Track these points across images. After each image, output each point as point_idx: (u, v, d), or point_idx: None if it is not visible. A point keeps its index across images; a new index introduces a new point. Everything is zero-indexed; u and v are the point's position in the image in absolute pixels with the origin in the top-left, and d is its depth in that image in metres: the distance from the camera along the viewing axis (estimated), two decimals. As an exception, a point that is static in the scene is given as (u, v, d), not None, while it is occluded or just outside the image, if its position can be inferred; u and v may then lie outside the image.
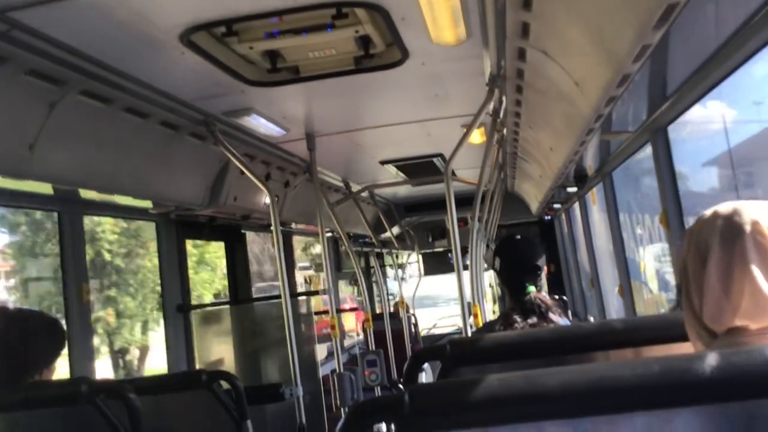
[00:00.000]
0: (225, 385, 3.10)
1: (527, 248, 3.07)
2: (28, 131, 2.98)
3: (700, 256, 1.40)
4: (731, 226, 1.37)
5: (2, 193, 3.47)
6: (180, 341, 5.01)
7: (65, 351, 2.77)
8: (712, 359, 1.08)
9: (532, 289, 2.93)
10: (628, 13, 2.03)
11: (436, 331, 12.62)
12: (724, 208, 1.44)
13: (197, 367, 5.06)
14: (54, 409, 2.36)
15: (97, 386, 2.14)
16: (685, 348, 1.59)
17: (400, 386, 6.55)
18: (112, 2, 2.53)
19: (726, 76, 2.59)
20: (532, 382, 1.17)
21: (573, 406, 1.12)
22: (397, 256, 10.17)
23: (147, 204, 4.66)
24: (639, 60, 2.18)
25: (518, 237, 3.15)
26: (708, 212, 1.47)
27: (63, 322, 3.82)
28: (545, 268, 3.06)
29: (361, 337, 10.25)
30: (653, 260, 4.92)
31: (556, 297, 3.12)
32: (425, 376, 5.61)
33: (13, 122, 2.90)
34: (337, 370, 4.83)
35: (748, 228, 1.36)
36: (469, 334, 3.91)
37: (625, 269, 4.98)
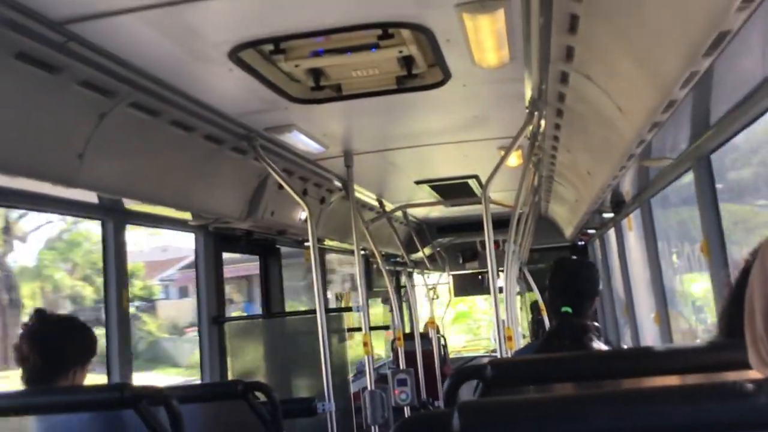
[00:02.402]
0: (260, 396, 3.13)
1: (573, 269, 3.05)
2: (77, 140, 3.06)
3: (765, 289, 1.35)
4: None
5: (50, 200, 3.56)
6: (214, 353, 5.05)
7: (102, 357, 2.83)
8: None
9: (567, 309, 2.90)
10: (678, 39, 2.04)
11: (464, 354, 12.54)
12: None
13: (229, 378, 5.10)
14: (92, 413, 2.40)
15: (139, 392, 2.17)
16: (725, 377, 1.57)
17: (430, 407, 6.53)
18: (165, 17, 2.60)
19: (773, 105, 2.58)
20: (581, 404, 1.18)
21: (624, 429, 1.12)
22: (428, 276, 10.16)
23: (186, 215, 4.73)
24: (686, 86, 2.18)
25: (569, 258, 3.11)
26: None
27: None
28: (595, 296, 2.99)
29: (385, 356, 10.23)
30: (691, 288, 4.87)
31: (589, 323, 3.09)
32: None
33: (64, 131, 2.98)
34: (369, 387, 4.83)
35: None
36: (503, 356, 3.89)
37: (663, 297, 4.93)
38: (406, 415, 5.56)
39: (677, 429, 1.13)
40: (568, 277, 2.97)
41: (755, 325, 1.35)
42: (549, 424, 1.15)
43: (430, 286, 9.69)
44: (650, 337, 5.95)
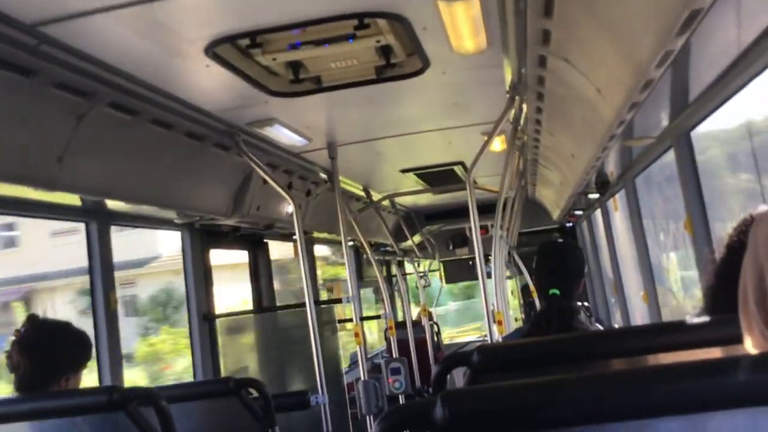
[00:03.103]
0: (252, 392, 3.13)
1: (557, 251, 3.06)
2: (56, 143, 3.04)
3: (756, 264, 1.36)
4: None
5: (32, 205, 3.53)
6: (205, 349, 5.05)
7: (92, 360, 2.81)
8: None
9: (555, 292, 2.91)
10: (651, 20, 2.04)
11: (458, 340, 12.60)
12: None
13: (222, 375, 5.10)
14: (83, 416, 2.40)
15: (129, 394, 2.17)
16: (712, 353, 1.58)
17: (425, 394, 6.55)
18: (138, 16, 2.58)
19: (750, 80, 2.59)
20: (568, 388, 1.18)
21: (612, 410, 1.13)
22: (418, 264, 10.18)
23: (172, 214, 4.71)
24: (662, 65, 2.19)
25: (553, 241, 3.13)
26: (759, 214, 1.41)
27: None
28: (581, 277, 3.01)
29: (379, 346, 10.26)
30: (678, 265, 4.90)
31: (579, 304, 3.11)
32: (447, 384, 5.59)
33: (41, 135, 2.96)
34: (362, 378, 4.85)
35: None
36: (494, 341, 3.91)
37: (650, 275, 4.96)
38: (403, 403, 5.58)
39: (666, 408, 1.13)
40: (553, 260, 2.99)
41: (748, 301, 1.35)
42: (532, 409, 1.16)
43: (420, 273, 9.70)
44: (639, 315, 5.99)
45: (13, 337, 2.57)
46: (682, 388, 1.14)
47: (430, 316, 8.38)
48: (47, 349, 2.55)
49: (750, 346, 1.41)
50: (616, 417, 1.14)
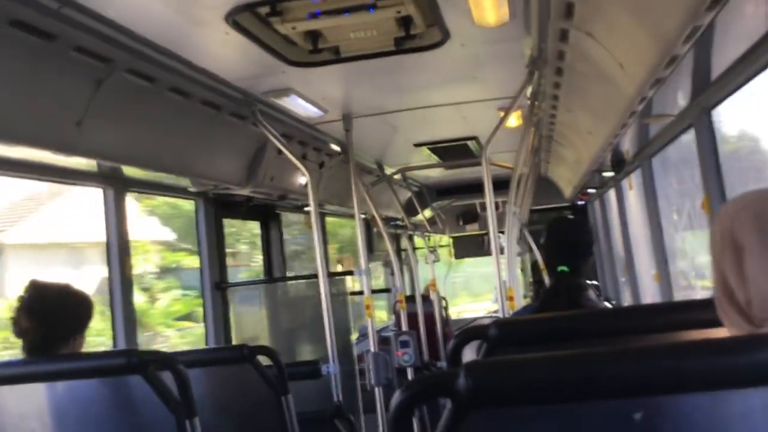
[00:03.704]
0: (265, 360, 3.16)
1: (566, 228, 3.06)
2: (75, 108, 3.04)
3: (735, 248, 1.39)
4: (766, 214, 1.36)
5: (49, 169, 3.55)
6: (218, 318, 5.09)
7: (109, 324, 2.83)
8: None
9: (563, 269, 2.91)
10: (680, -6, 2.02)
11: (466, 315, 12.64)
12: (753, 197, 1.42)
13: (234, 343, 5.14)
14: (97, 379, 2.42)
15: (146, 357, 2.19)
16: (723, 332, 1.59)
17: (432, 368, 6.59)
18: (160, -19, 2.57)
19: (775, 60, 2.55)
20: (588, 361, 1.18)
21: (633, 385, 1.13)
22: (429, 239, 10.17)
23: (186, 182, 4.72)
24: (689, 41, 2.17)
25: (562, 218, 3.12)
26: (736, 202, 1.44)
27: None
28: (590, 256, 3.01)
29: (385, 320, 10.31)
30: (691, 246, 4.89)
31: (588, 282, 3.11)
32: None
33: (61, 99, 2.96)
34: (372, 350, 4.87)
35: None
36: (505, 316, 3.92)
37: (663, 255, 4.94)
38: (409, 377, 5.62)
39: (680, 383, 1.14)
40: (561, 237, 2.98)
41: (735, 297, 1.39)
42: (554, 381, 1.16)
43: (431, 248, 9.70)
44: (650, 294, 5.98)
45: (17, 304, 2.58)
46: (708, 365, 1.14)
47: (438, 291, 8.40)
48: (53, 312, 2.56)
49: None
50: (641, 392, 1.14)
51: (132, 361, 2.18)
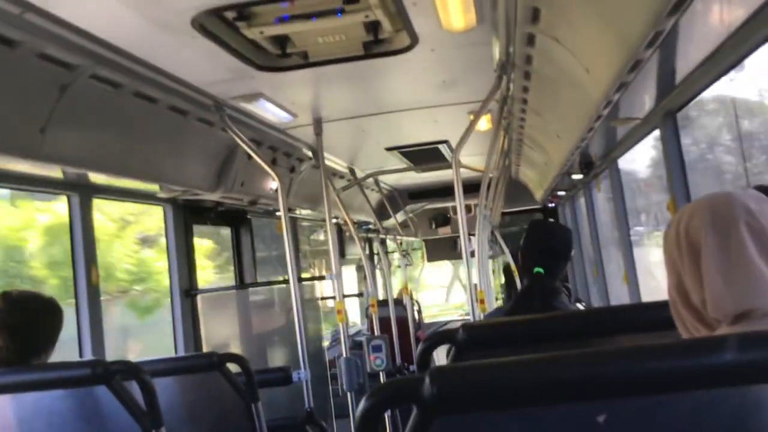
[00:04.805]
0: (234, 368, 3.13)
1: (548, 231, 3.07)
2: (39, 114, 2.99)
3: (692, 250, 1.40)
4: (723, 215, 1.37)
5: (13, 177, 3.49)
6: (187, 325, 5.04)
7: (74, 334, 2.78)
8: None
9: (539, 270, 2.92)
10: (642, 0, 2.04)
11: (438, 319, 12.66)
12: (710, 198, 1.43)
13: (204, 350, 5.10)
14: (64, 390, 2.39)
15: (112, 367, 2.16)
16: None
17: (405, 372, 6.59)
18: (124, -14, 2.53)
19: (738, 62, 2.60)
20: (559, 365, 1.19)
21: (598, 388, 1.14)
22: (401, 243, 10.19)
23: (155, 188, 4.67)
24: (651, 46, 2.19)
25: (545, 220, 3.14)
26: (692, 205, 1.46)
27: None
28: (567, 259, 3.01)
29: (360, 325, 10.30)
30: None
31: (560, 285, 3.12)
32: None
33: (24, 105, 2.91)
34: (344, 355, 4.86)
35: (740, 214, 1.36)
36: (476, 319, 3.93)
37: (631, 257, 5.00)
38: (382, 381, 5.61)
39: (647, 385, 1.14)
40: (543, 238, 2.99)
41: (690, 299, 1.40)
42: (521, 387, 1.16)
43: (403, 251, 9.71)
44: (618, 297, 6.04)
45: None
46: (674, 366, 1.15)
47: (411, 295, 8.42)
48: (28, 327, 2.52)
49: None
50: (607, 394, 1.15)
51: (97, 372, 2.15)
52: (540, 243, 2.97)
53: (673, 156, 3.37)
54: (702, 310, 1.39)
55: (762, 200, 1.40)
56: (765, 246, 1.35)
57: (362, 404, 1.20)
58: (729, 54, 2.58)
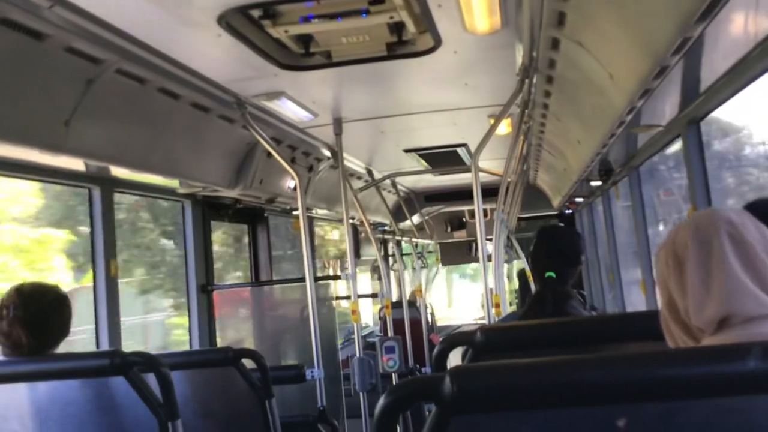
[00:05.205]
0: (249, 364, 3.14)
1: (557, 235, 3.06)
2: (64, 107, 3.02)
3: (678, 263, 1.44)
4: (706, 228, 1.43)
5: (35, 169, 3.52)
6: (203, 320, 5.06)
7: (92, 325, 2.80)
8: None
9: (550, 275, 2.91)
10: (671, 5, 2.03)
11: (451, 322, 12.65)
12: (695, 215, 1.51)
13: (218, 345, 5.12)
14: (80, 380, 2.41)
15: (130, 358, 2.18)
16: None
17: (417, 373, 6.58)
18: (152, -19, 2.56)
19: (763, 72, 2.58)
20: (572, 367, 1.19)
21: (616, 392, 1.14)
22: (416, 245, 10.19)
23: (174, 183, 4.70)
24: (679, 52, 2.18)
25: (555, 225, 3.12)
26: (680, 224, 1.52)
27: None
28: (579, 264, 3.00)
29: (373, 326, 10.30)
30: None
31: (572, 290, 3.11)
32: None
33: (50, 98, 2.94)
34: (357, 355, 4.87)
35: (722, 226, 1.42)
36: (491, 323, 3.92)
37: (649, 265, 4.97)
38: (394, 382, 5.61)
39: (663, 391, 1.14)
40: (552, 243, 2.98)
41: (678, 311, 1.43)
42: (539, 387, 1.17)
43: (418, 254, 9.71)
44: (634, 304, 6.01)
45: (4, 313, 2.52)
46: (690, 372, 1.15)
47: (424, 297, 8.42)
48: (43, 320, 2.53)
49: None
50: (627, 399, 1.15)
51: (115, 362, 2.16)
52: (551, 247, 2.96)
53: (695, 164, 3.35)
54: (687, 321, 1.42)
55: (743, 214, 1.45)
56: (746, 256, 1.39)
57: (382, 400, 1.21)
58: (755, 63, 2.56)
